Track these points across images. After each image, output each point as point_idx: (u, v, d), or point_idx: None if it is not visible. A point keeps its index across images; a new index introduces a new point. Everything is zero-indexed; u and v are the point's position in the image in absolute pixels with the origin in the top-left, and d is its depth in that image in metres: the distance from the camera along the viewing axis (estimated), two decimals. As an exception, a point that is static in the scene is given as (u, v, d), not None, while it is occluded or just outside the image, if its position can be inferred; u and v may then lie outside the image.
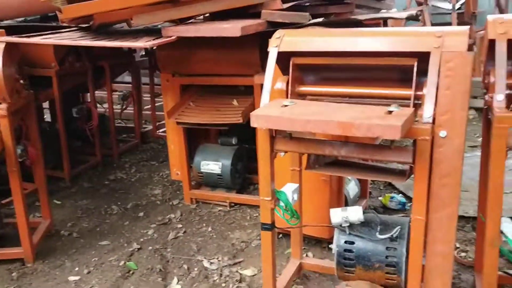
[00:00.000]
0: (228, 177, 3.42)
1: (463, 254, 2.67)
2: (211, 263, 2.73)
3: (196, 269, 2.69)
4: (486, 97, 1.88)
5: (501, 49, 1.75)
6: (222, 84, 3.37)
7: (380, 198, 3.44)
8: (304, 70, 2.14)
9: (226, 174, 3.42)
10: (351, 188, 2.97)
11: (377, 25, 3.48)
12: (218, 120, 3.21)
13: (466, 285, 2.41)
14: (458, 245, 2.77)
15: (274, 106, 1.87)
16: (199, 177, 3.54)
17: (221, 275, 2.61)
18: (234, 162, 3.43)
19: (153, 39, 2.71)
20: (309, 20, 2.73)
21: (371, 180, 3.72)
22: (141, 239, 3.05)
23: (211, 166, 3.45)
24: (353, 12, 3.09)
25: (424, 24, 6.36)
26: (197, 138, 3.81)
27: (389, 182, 3.67)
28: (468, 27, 1.86)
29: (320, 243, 2.86)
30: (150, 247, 2.94)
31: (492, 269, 1.85)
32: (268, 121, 1.77)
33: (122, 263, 2.79)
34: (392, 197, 3.33)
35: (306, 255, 2.76)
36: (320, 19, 2.77)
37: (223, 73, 3.27)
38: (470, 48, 1.78)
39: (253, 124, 1.79)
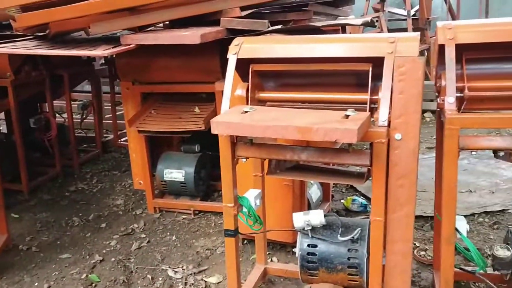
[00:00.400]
0: (192, 185, 3.41)
1: (422, 252, 2.75)
2: (176, 272, 2.70)
3: (160, 278, 2.66)
4: (438, 100, 1.95)
5: (450, 54, 1.82)
6: (183, 92, 3.36)
7: (342, 201, 3.50)
8: (264, 77, 2.17)
9: (190, 182, 3.41)
10: (314, 192, 3.01)
11: (335, 31, 3.55)
12: (180, 127, 3.20)
13: (426, 283, 2.48)
14: (417, 244, 2.85)
15: (234, 113, 1.88)
16: (162, 185, 3.51)
17: (186, 283, 2.59)
18: (197, 170, 3.42)
19: (112, 47, 2.68)
20: (268, 27, 2.77)
21: (334, 184, 3.79)
22: (104, 251, 3.00)
23: (174, 174, 3.43)
24: (311, 19, 3.14)
25: (381, 30, 6.53)
26: (159, 146, 3.78)
27: (351, 185, 3.74)
28: (418, 33, 1.94)
29: (284, 248, 2.89)
30: (113, 259, 2.89)
31: (449, 266, 1.91)
32: (228, 128, 1.78)
33: (84, 276, 2.73)
34: (353, 200, 3.40)
35: (271, 260, 2.78)
36: (279, 26, 2.81)
37: (184, 80, 3.26)
38: (421, 53, 1.85)
39: (213, 131, 1.80)
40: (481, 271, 2.02)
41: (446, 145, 1.80)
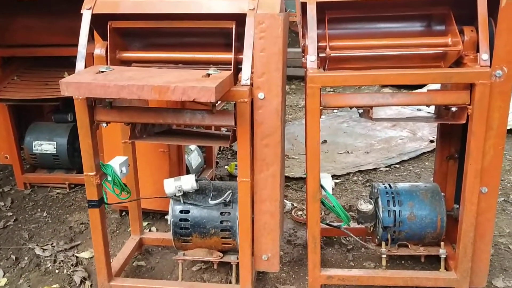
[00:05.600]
0: (65, 157, 3.17)
1: (300, 212, 2.82)
2: (44, 250, 2.50)
3: (26, 258, 2.45)
4: (303, 59, 1.95)
5: (311, 12, 1.81)
6: (51, 56, 3.07)
7: (226, 166, 3.48)
8: (129, 36, 2.02)
9: (63, 154, 3.16)
10: (194, 158, 2.95)
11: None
12: (47, 94, 2.93)
13: (301, 241, 2.55)
14: (296, 204, 2.93)
15: (88, 73, 1.73)
16: (32, 159, 3.22)
17: (55, 261, 2.41)
18: (71, 140, 3.17)
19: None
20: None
21: (219, 149, 3.76)
22: (-39, 234, 2.70)
23: (45, 146, 3.16)
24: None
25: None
26: (31, 117, 3.46)
27: (236, 151, 3.73)
28: (282, -11, 1.90)
29: (165, 216, 2.80)
30: (-28, 241, 2.62)
31: (315, 222, 1.96)
32: (79, 89, 1.63)
33: None
34: (237, 165, 3.39)
35: (150, 230, 2.69)
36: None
37: (50, 43, 2.97)
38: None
39: (63, 92, 1.64)
40: (346, 226, 2.10)
41: (308, 104, 1.81)
